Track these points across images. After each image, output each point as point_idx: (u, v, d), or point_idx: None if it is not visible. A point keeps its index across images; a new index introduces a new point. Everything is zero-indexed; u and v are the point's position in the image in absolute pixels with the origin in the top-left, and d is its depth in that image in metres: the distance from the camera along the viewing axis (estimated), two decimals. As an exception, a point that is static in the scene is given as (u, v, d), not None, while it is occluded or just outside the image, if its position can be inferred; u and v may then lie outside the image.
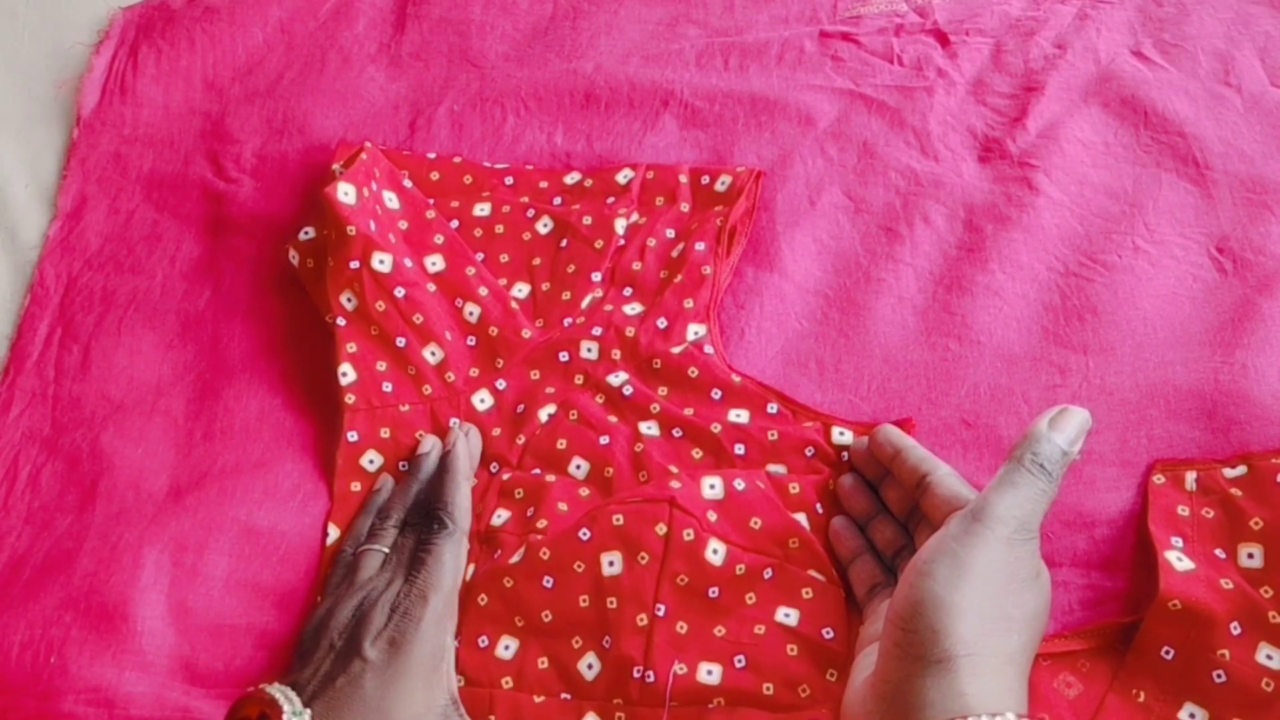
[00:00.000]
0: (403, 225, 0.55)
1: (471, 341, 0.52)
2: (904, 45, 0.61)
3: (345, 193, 0.52)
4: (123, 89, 0.64)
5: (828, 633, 0.43)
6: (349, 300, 0.52)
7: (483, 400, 0.51)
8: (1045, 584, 0.39)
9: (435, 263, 0.54)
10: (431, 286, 0.53)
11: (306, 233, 0.55)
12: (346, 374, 0.51)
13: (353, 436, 0.50)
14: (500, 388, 0.51)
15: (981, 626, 0.35)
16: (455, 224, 0.55)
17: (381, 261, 0.52)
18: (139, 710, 0.44)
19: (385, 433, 0.50)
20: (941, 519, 0.40)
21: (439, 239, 0.54)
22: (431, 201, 0.56)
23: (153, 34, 0.65)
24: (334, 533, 0.48)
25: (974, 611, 0.35)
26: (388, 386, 0.51)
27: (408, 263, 0.53)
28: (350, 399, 0.51)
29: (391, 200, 0.55)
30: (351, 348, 0.51)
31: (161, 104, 0.63)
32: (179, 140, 0.62)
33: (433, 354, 0.52)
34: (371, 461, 0.50)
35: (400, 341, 0.51)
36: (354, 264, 0.51)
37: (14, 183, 0.61)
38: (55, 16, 0.66)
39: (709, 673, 0.42)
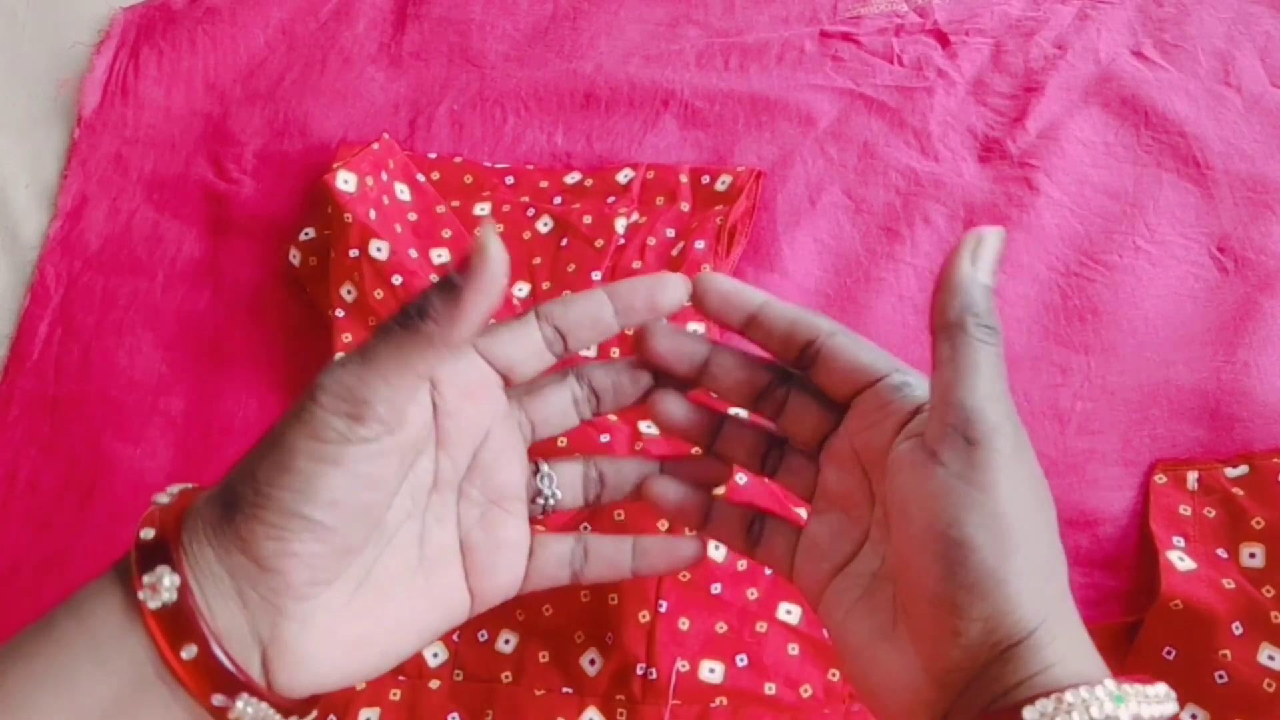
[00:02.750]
0: (412, 217, 0.55)
1: (471, 336, 0.52)
2: (904, 45, 0.61)
3: (345, 180, 0.52)
4: (124, 90, 0.64)
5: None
6: (349, 292, 0.52)
7: None
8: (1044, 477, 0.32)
9: (441, 255, 0.54)
10: (435, 278, 0.53)
11: (307, 233, 0.55)
12: None
13: None
14: None
15: (1043, 580, 0.29)
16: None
17: (379, 249, 0.52)
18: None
19: None
20: (849, 396, 0.34)
21: (447, 233, 0.54)
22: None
23: (154, 35, 0.65)
24: None
25: (1032, 568, 0.29)
26: None
27: (412, 253, 0.53)
28: None
29: (403, 192, 0.55)
30: (347, 338, 0.51)
31: (162, 105, 0.63)
32: (180, 141, 0.62)
33: None
34: None
35: None
36: (353, 252, 0.51)
37: (14, 183, 0.61)
38: (55, 16, 0.66)
39: (711, 671, 0.42)
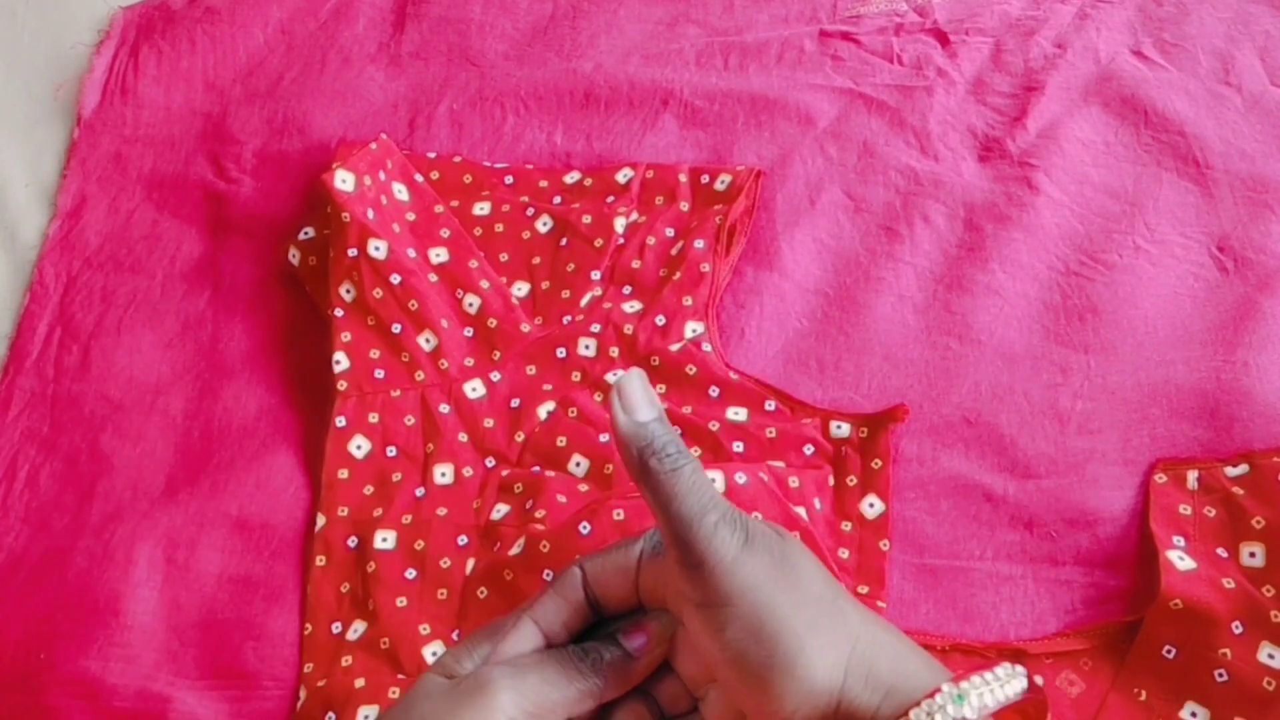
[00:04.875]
0: (410, 217, 0.55)
1: (469, 333, 0.52)
2: (904, 45, 0.61)
3: (343, 180, 0.52)
4: (123, 89, 0.64)
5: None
6: (348, 291, 0.52)
7: (474, 389, 0.51)
8: (791, 538, 0.33)
9: (439, 254, 0.54)
10: (433, 277, 0.53)
11: (306, 233, 0.55)
12: (340, 362, 0.51)
13: (340, 422, 0.50)
14: (494, 379, 0.51)
15: (824, 636, 0.31)
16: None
17: (377, 248, 0.52)
18: (121, 702, 0.44)
19: (374, 418, 0.50)
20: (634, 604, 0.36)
21: (445, 233, 0.54)
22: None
23: (153, 34, 0.65)
24: (321, 520, 0.48)
25: (804, 637, 0.30)
26: (379, 373, 0.51)
27: (411, 253, 0.53)
28: (342, 385, 0.51)
29: (401, 192, 0.55)
30: (346, 337, 0.51)
31: (162, 104, 0.63)
32: (180, 140, 0.62)
33: (427, 340, 0.51)
34: (359, 447, 0.50)
35: (395, 328, 0.51)
36: (352, 252, 0.52)
37: (14, 182, 0.61)
38: (55, 16, 0.66)
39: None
